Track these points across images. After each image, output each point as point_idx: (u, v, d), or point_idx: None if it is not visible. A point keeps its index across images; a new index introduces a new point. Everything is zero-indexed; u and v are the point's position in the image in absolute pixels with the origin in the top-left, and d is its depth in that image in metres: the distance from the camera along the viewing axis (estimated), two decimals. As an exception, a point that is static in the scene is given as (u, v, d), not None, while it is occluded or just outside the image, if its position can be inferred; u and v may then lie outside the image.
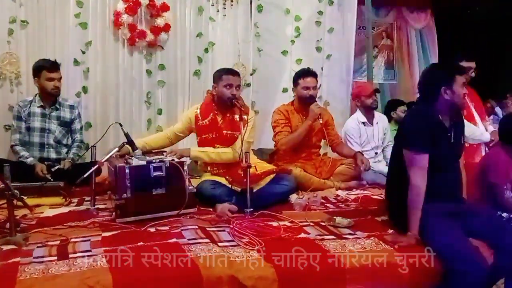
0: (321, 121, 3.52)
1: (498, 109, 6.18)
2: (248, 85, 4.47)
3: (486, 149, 3.56)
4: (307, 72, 3.55)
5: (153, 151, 3.01)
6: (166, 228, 2.34)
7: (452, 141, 2.26)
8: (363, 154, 3.50)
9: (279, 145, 3.46)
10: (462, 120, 2.39)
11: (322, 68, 4.56)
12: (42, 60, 3.45)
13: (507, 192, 2.61)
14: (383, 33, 6.59)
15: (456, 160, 2.34)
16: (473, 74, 3.46)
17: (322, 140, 3.75)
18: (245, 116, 2.88)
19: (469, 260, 1.94)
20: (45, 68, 3.38)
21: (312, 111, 3.43)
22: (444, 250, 2.01)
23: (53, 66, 3.41)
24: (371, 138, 3.94)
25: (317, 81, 3.58)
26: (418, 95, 2.41)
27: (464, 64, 3.23)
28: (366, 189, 3.41)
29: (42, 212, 2.64)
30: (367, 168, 3.38)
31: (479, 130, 3.53)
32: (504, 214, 2.50)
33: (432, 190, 2.16)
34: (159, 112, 4.20)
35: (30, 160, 3.32)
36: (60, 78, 3.45)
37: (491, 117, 5.55)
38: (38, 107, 3.46)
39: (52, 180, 3.11)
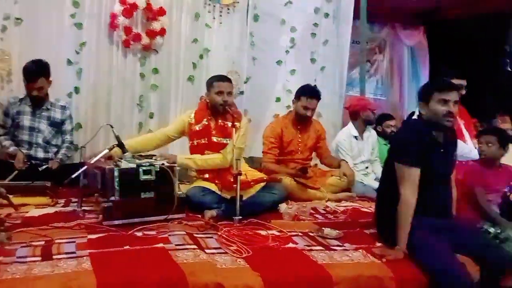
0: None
1: (487, 128, 6.24)
2: (242, 93, 4.47)
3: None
4: (313, 93, 3.54)
5: (143, 154, 2.99)
6: (153, 232, 2.32)
7: (444, 157, 2.28)
8: (348, 164, 3.53)
9: (262, 167, 3.49)
10: (456, 137, 2.41)
11: (315, 80, 4.58)
12: (26, 64, 3.34)
13: (492, 206, 2.66)
14: (376, 48, 6.67)
15: (447, 176, 2.35)
16: (463, 92, 3.50)
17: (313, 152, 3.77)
18: (237, 123, 2.88)
19: (455, 276, 1.94)
20: (24, 76, 3.33)
21: (296, 173, 3.39)
22: (431, 265, 2.01)
23: (30, 77, 3.30)
24: (362, 152, 3.99)
25: (318, 102, 3.59)
26: (412, 110, 2.44)
27: (456, 81, 3.26)
28: (355, 201, 3.42)
29: (28, 212, 2.59)
30: (350, 180, 3.43)
31: (468, 148, 3.57)
32: (491, 230, 2.52)
33: (422, 205, 2.17)
34: (151, 115, 4.18)
35: (12, 149, 3.29)
36: (41, 87, 3.33)
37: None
38: (28, 106, 3.42)
39: (25, 170, 3.10)
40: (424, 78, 6.57)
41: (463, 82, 3.47)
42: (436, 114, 2.22)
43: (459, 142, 3.22)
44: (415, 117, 2.85)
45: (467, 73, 3.63)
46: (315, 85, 3.87)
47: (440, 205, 2.29)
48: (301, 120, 3.57)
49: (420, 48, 6.83)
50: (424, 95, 2.28)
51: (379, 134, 4.41)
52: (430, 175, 2.22)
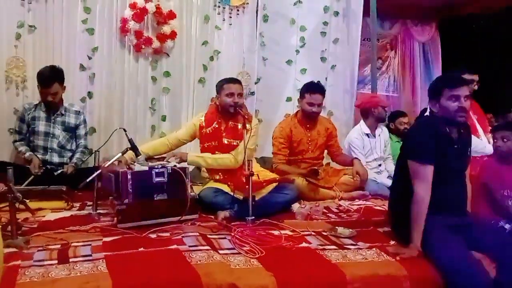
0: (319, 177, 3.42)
1: (501, 123, 6.15)
2: (252, 93, 4.49)
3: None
4: (315, 88, 3.52)
5: (154, 157, 3.02)
6: (167, 234, 2.34)
7: (458, 153, 2.25)
8: (361, 162, 3.51)
9: (274, 168, 3.48)
10: (470, 133, 2.39)
11: (326, 78, 4.58)
12: (41, 70, 3.39)
13: (509, 202, 2.62)
14: (387, 45, 6.61)
15: (461, 173, 2.33)
16: (476, 87, 3.47)
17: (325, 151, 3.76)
18: (248, 125, 2.89)
19: (470, 274, 1.92)
20: (39, 81, 3.38)
21: (308, 173, 3.38)
22: (446, 263, 1.99)
23: (45, 82, 3.35)
24: (374, 150, 3.97)
25: (323, 97, 3.56)
26: (424, 107, 2.42)
27: (467, 76, 3.23)
28: (369, 200, 3.39)
29: (44, 216, 2.64)
30: (363, 179, 3.40)
31: (482, 143, 3.53)
32: (507, 226, 2.49)
33: (436, 202, 2.15)
34: (163, 118, 4.22)
35: (28, 154, 3.36)
36: (55, 93, 3.38)
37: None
38: (43, 111, 3.48)
39: (40, 175, 3.17)
40: (437, 74, 6.49)
41: (475, 77, 3.44)
42: (448, 111, 2.20)
43: (473, 137, 3.20)
44: (427, 113, 2.83)
45: (481, 68, 3.59)
46: (319, 81, 3.88)
47: (455, 202, 2.27)
48: (309, 118, 3.55)
49: (433, 44, 6.75)
50: (435, 92, 2.26)
51: (391, 131, 4.39)
52: (444, 171, 2.20)
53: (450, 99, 2.18)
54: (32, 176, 3.10)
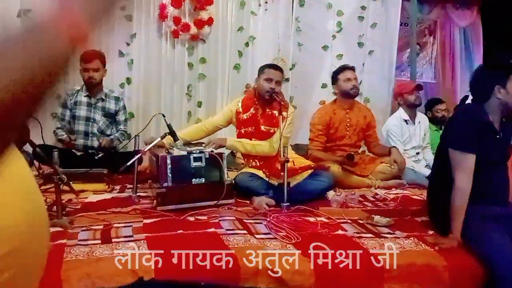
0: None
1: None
2: (287, 80, 4.46)
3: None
4: (344, 67, 3.58)
5: (192, 142, 3.07)
6: (205, 217, 2.38)
7: (500, 142, 2.18)
8: (398, 150, 3.45)
9: (309, 154, 3.48)
10: None
11: (363, 64, 4.50)
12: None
13: None
14: (426, 30, 6.41)
15: (503, 163, 2.26)
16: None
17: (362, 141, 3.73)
18: (284, 112, 2.89)
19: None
20: (81, 59, 3.45)
21: (343, 160, 3.35)
22: (488, 255, 1.94)
23: (87, 57, 3.42)
24: (413, 137, 3.89)
25: (355, 74, 3.56)
26: (464, 95, 2.33)
27: (512, 63, 3.10)
28: (406, 189, 3.34)
29: (87, 198, 2.73)
30: (401, 168, 3.34)
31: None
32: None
33: (477, 192, 2.09)
34: (199, 104, 4.27)
35: (65, 137, 3.46)
36: (97, 69, 3.47)
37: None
38: (84, 96, 3.58)
39: (77, 145, 3.35)
40: (478, 61, 6.26)
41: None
42: None
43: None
44: (468, 101, 2.73)
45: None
46: None
47: (496, 192, 2.20)
48: (349, 97, 3.53)
49: (474, 29, 6.50)
50: (502, 78, 2.14)
51: (429, 119, 4.27)
52: (485, 161, 2.13)
53: None
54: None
